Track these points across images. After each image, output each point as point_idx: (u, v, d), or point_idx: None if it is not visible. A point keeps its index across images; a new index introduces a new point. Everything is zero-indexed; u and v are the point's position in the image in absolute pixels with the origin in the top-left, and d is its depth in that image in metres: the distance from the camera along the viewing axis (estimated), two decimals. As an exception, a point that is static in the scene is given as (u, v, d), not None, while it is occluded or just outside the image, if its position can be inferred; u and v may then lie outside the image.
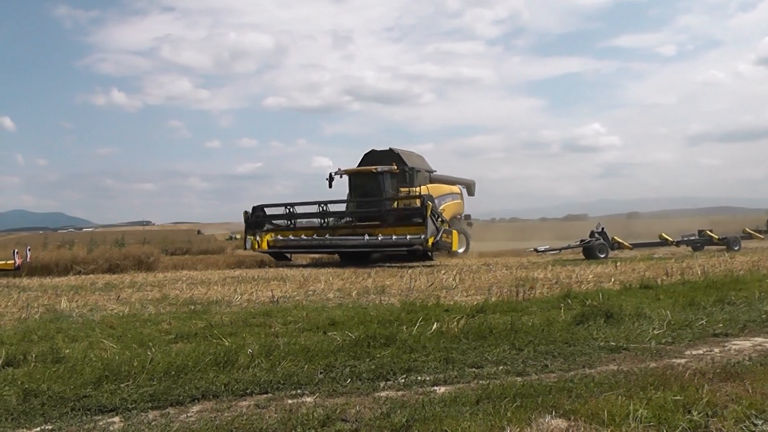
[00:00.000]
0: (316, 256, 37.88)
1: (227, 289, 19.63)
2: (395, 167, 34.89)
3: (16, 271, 26.46)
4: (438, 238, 29.72)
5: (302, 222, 35.08)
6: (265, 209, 35.23)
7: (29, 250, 28.15)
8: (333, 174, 36.19)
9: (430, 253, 31.66)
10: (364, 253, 33.45)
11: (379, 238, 31.70)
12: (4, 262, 25.89)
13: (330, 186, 36.28)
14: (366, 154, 37.47)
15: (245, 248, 35.58)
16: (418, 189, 33.64)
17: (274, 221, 35.08)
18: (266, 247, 34.30)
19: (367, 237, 31.88)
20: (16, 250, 26.69)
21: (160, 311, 14.32)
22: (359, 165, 36.93)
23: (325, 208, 33.99)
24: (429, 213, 29.79)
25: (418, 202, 31.40)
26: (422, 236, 29.79)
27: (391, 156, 36.09)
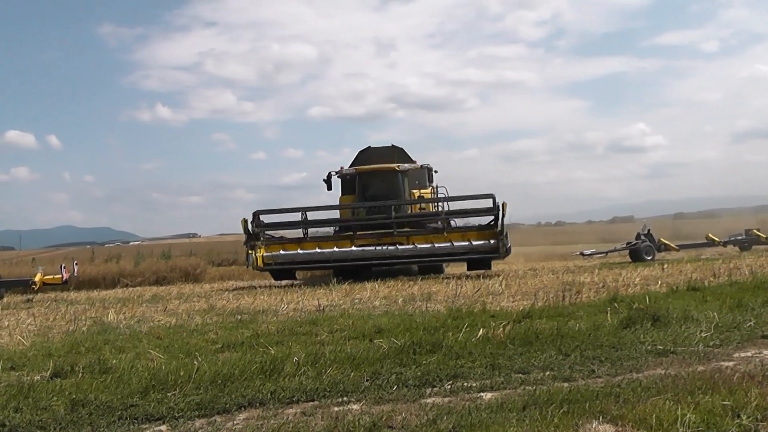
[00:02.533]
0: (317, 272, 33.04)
1: (273, 298, 19.71)
2: (417, 164, 30.99)
3: (63, 285, 26.73)
4: (508, 243, 26.48)
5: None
6: (261, 216, 27.86)
7: (76, 264, 28.39)
8: (333, 174, 31.14)
9: (500, 257, 27.64)
10: (385, 265, 28.12)
11: (435, 246, 26.76)
12: (51, 276, 26.12)
13: (329, 188, 31.24)
14: (361, 152, 32.36)
15: (247, 266, 28.43)
16: (429, 189, 30.89)
17: (267, 231, 28.03)
18: (261, 264, 27.28)
19: (417, 245, 26.90)
20: (63, 265, 26.92)
21: (207, 321, 14.42)
22: (353, 164, 31.56)
23: (355, 214, 29.36)
24: (503, 214, 26.26)
25: (488, 202, 26.92)
26: (493, 241, 26.21)
27: (394, 153, 31.85)
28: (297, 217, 27.47)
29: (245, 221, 26.92)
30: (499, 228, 26.23)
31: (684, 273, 20.68)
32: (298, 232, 28.06)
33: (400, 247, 26.99)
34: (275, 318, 14.46)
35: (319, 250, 27.25)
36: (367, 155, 31.88)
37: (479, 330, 10.08)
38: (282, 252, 27.57)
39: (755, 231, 38.85)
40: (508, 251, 26.40)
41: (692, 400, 6.04)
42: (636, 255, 31.53)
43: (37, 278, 25.14)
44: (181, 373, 7.95)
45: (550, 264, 27.25)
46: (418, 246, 26.96)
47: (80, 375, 8.54)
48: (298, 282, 27.98)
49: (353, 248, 27.25)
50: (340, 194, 31.65)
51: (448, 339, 9.55)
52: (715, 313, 10.90)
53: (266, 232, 27.95)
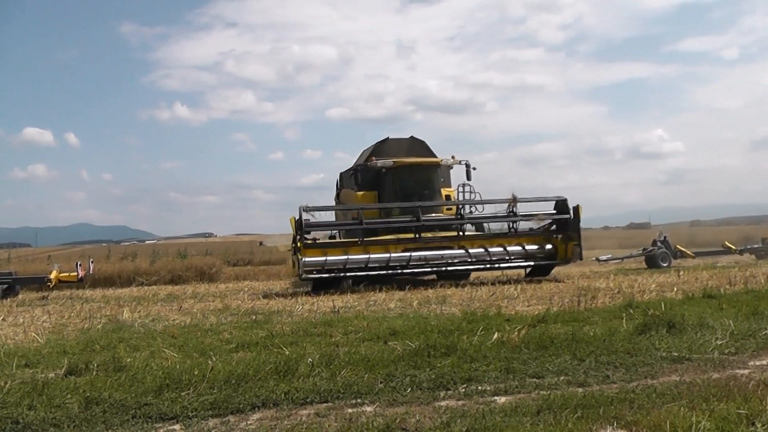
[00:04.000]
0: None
1: (289, 299, 19.77)
2: (457, 159, 27.62)
3: (79, 283, 26.79)
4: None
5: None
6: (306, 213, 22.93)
7: (92, 262, 28.46)
8: (367, 165, 26.76)
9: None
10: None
11: (504, 249, 24.48)
12: (67, 274, 26.18)
13: (357, 184, 26.90)
14: (380, 143, 28.25)
15: (299, 275, 22.57)
16: (452, 188, 28.05)
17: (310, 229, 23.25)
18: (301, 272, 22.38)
19: (481, 249, 24.26)
20: (79, 263, 27.00)
21: (222, 321, 14.46)
22: (371, 156, 27.23)
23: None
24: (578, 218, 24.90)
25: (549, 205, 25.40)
26: (575, 247, 24.60)
27: (414, 145, 28.31)
28: (324, 217, 24.13)
29: (295, 219, 22.36)
30: (579, 232, 25.00)
31: (700, 280, 20.60)
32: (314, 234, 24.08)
33: (472, 251, 24.26)
34: (290, 319, 14.50)
35: (373, 256, 23.18)
36: (386, 147, 27.85)
37: (494, 334, 10.10)
38: (329, 258, 22.85)
39: (772, 240, 38.74)
40: (581, 256, 25.52)
41: (707, 408, 6.03)
42: (652, 261, 31.43)
43: (52, 275, 25.20)
44: (195, 373, 7.98)
45: (565, 269, 27.05)
46: (491, 249, 24.45)
47: (94, 373, 8.59)
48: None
49: (415, 253, 23.74)
50: (350, 190, 28.10)
51: (463, 342, 9.56)
52: (731, 321, 10.87)
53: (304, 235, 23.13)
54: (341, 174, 30.77)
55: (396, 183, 26.91)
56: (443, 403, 6.86)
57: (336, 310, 15.72)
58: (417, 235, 24.11)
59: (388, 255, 23.30)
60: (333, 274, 22.94)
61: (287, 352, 9.39)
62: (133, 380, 7.99)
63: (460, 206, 25.38)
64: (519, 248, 24.68)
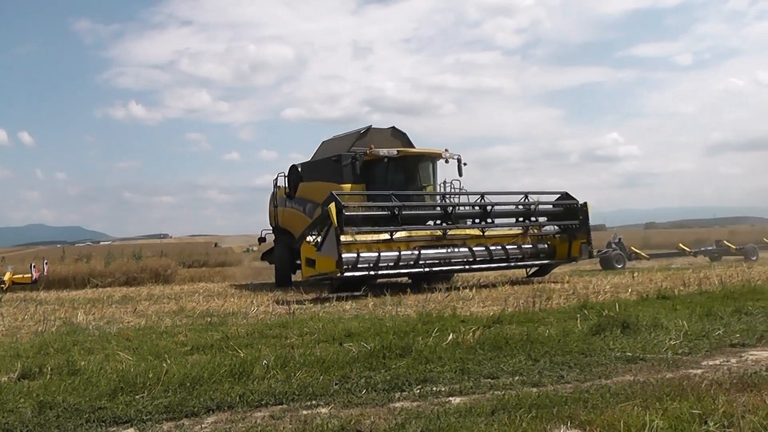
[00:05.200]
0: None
1: (244, 301, 19.70)
2: (449, 153, 25.87)
3: (33, 285, 26.58)
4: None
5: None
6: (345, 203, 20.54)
7: (46, 263, 28.27)
8: (367, 153, 24.61)
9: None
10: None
11: (523, 247, 23.78)
12: (21, 276, 25.98)
13: (353, 173, 24.47)
14: (362, 133, 26.19)
15: (340, 272, 19.72)
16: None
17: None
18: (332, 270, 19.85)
19: (493, 247, 23.29)
20: (33, 264, 26.81)
21: (177, 323, 14.39)
22: (354, 144, 25.48)
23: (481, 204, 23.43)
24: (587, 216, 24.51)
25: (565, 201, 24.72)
26: (584, 245, 24.24)
27: (397, 137, 26.74)
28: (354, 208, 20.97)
29: (335, 207, 19.73)
30: (589, 230, 24.74)
31: (654, 282, 20.77)
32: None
33: (492, 248, 23.28)
34: (245, 321, 14.44)
35: (404, 253, 21.50)
36: (368, 137, 25.85)
37: (449, 335, 10.13)
38: (365, 254, 20.77)
39: (725, 242, 39.29)
40: (591, 254, 25.08)
41: (660, 407, 6.07)
42: (606, 263, 31.68)
43: (6, 277, 25.03)
44: (150, 376, 7.92)
45: (521, 271, 27.01)
46: (507, 247, 23.51)
47: (48, 377, 8.51)
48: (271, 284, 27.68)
49: (442, 250, 22.47)
50: (322, 182, 25.36)
51: (418, 343, 9.56)
52: (685, 322, 10.99)
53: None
54: (298, 166, 28.00)
55: (397, 174, 25.09)
56: (398, 405, 6.87)
57: (291, 311, 15.68)
58: (444, 232, 22.72)
59: (417, 252, 21.67)
60: (364, 273, 20.94)
61: (242, 355, 9.36)
62: (88, 384, 7.91)
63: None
64: (530, 247, 24.04)
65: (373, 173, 24.77)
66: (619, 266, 31.16)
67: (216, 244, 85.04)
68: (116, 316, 16.36)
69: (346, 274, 19.92)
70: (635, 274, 24.38)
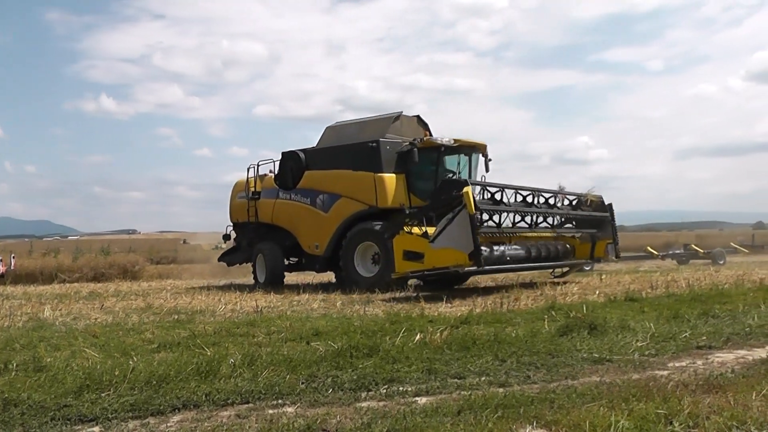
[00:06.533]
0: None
1: (212, 298, 19.61)
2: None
3: (0, 279, 26.41)
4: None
5: None
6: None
7: (14, 257, 28.10)
8: (422, 140, 22.45)
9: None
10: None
11: (566, 246, 23.08)
12: (-13, 269, 25.85)
13: (414, 160, 21.90)
14: (394, 119, 23.67)
15: (480, 265, 18.12)
16: None
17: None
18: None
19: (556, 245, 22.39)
20: (0, 258, 26.62)
21: (144, 320, 14.28)
22: (383, 132, 22.91)
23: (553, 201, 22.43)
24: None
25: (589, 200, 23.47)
26: (610, 245, 23.47)
27: (422, 126, 24.69)
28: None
29: (468, 191, 18.01)
30: (616, 232, 23.96)
31: (622, 284, 20.84)
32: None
33: (550, 247, 22.14)
34: (212, 318, 14.37)
35: (509, 248, 20.55)
36: (398, 124, 23.66)
37: (417, 335, 10.13)
38: (498, 247, 20.07)
39: (693, 246, 39.63)
40: (617, 254, 24.23)
41: (626, 407, 6.10)
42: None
43: (-28, 271, 24.85)
44: (116, 373, 7.85)
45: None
46: (558, 246, 22.55)
47: (13, 373, 8.40)
48: (239, 282, 27.25)
49: (533, 246, 21.28)
50: (341, 171, 23.27)
51: (386, 343, 9.55)
52: (652, 324, 11.06)
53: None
54: (298, 153, 24.95)
55: (447, 165, 23.20)
56: (364, 404, 6.85)
57: (259, 309, 15.63)
58: (533, 226, 21.53)
59: (526, 248, 20.80)
60: (499, 266, 20.57)
61: (209, 353, 9.29)
62: (53, 381, 7.83)
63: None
64: (563, 246, 22.95)
65: (420, 162, 22.13)
66: (587, 268, 31.28)
67: (185, 241, 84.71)
68: (83, 312, 16.23)
69: (486, 267, 18.77)
70: (603, 276, 24.47)
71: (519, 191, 20.86)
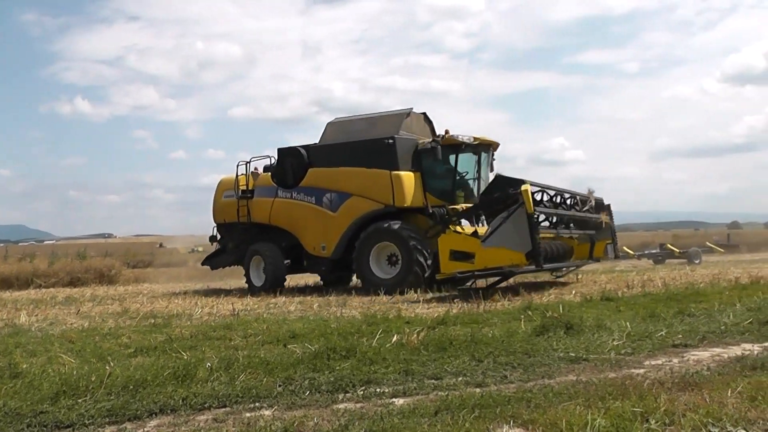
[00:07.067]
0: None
1: (188, 302, 19.60)
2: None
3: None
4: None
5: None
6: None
7: (-12, 263, 27.96)
8: (438, 138, 22.03)
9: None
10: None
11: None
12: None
13: (439, 157, 21.59)
14: (406, 116, 23.01)
15: (538, 264, 18.18)
16: None
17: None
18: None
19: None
20: (-25, 264, 26.52)
21: (120, 325, 14.24)
22: (397, 130, 22.20)
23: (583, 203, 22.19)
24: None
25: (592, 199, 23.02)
26: (609, 245, 23.13)
27: (428, 124, 24.36)
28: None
29: (527, 189, 17.67)
30: (614, 233, 23.76)
31: (598, 284, 20.89)
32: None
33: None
34: (189, 322, 14.33)
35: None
36: (409, 121, 23.02)
37: (394, 336, 10.14)
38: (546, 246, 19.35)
39: (669, 246, 39.85)
40: (617, 254, 23.91)
41: (603, 406, 6.12)
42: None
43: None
44: (93, 379, 7.81)
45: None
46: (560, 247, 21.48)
47: (-11, 379, 8.39)
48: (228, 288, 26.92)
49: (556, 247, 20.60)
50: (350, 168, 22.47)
51: (363, 345, 9.55)
52: (628, 323, 11.08)
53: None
54: (300, 149, 23.92)
55: (466, 164, 22.73)
56: (342, 406, 6.85)
57: (236, 313, 15.61)
58: (556, 227, 21.22)
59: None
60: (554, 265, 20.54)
61: (186, 357, 9.29)
62: (30, 387, 7.78)
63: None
64: (564, 247, 21.99)
65: (437, 161, 21.85)
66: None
67: (161, 244, 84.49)
68: (60, 318, 16.18)
69: (545, 266, 18.85)
70: (579, 276, 24.56)
71: (546, 190, 20.09)
